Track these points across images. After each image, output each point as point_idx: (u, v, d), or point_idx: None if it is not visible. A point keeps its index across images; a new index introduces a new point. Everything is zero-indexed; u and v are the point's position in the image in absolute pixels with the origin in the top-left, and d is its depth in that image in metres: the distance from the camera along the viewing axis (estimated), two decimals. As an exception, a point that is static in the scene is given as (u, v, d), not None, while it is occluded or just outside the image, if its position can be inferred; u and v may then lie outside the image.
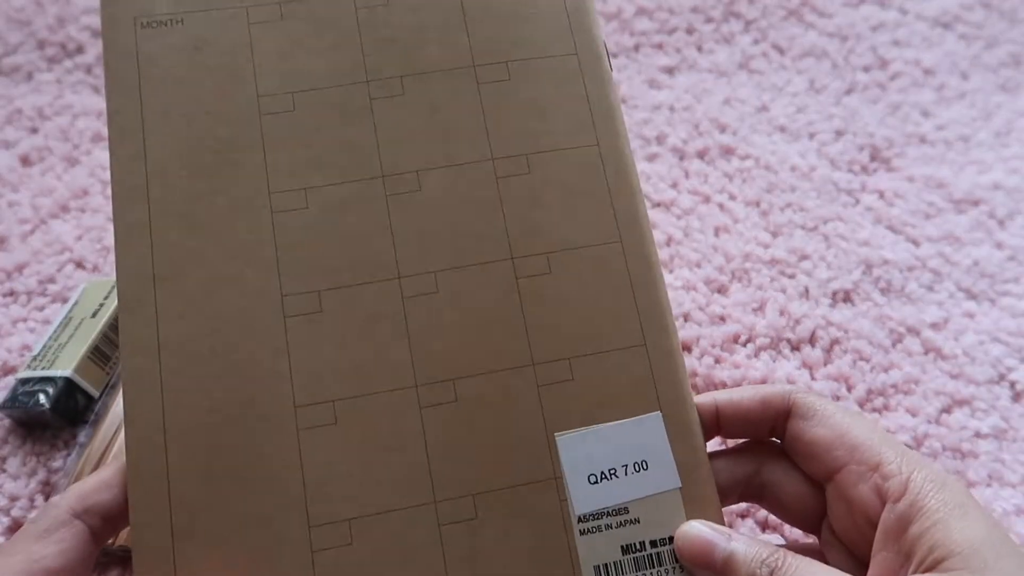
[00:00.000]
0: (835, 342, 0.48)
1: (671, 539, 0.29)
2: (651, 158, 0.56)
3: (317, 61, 0.33)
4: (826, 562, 0.28)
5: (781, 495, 0.30)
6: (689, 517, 0.29)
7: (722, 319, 0.48)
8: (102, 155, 0.56)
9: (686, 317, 0.49)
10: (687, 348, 0.47)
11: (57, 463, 0.43)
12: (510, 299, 0.31)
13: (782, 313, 0.49)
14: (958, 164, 0.55)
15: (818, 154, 0.56)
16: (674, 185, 0.55)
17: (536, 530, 0.29)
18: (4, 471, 0.43)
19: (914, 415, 0.45)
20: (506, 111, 0.33)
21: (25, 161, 0.56)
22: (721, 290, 0.50)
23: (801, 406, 0.29)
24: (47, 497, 0.42)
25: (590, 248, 0.31)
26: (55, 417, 0.43)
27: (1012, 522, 0.40)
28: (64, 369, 0.43)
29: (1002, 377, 0.46)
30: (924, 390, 0.46)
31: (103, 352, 0.45)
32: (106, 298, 0.46)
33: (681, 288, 0.50)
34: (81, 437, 0.43)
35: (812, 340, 0.48)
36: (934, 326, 0.48)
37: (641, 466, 0.29)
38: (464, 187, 0.32)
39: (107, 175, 0.55)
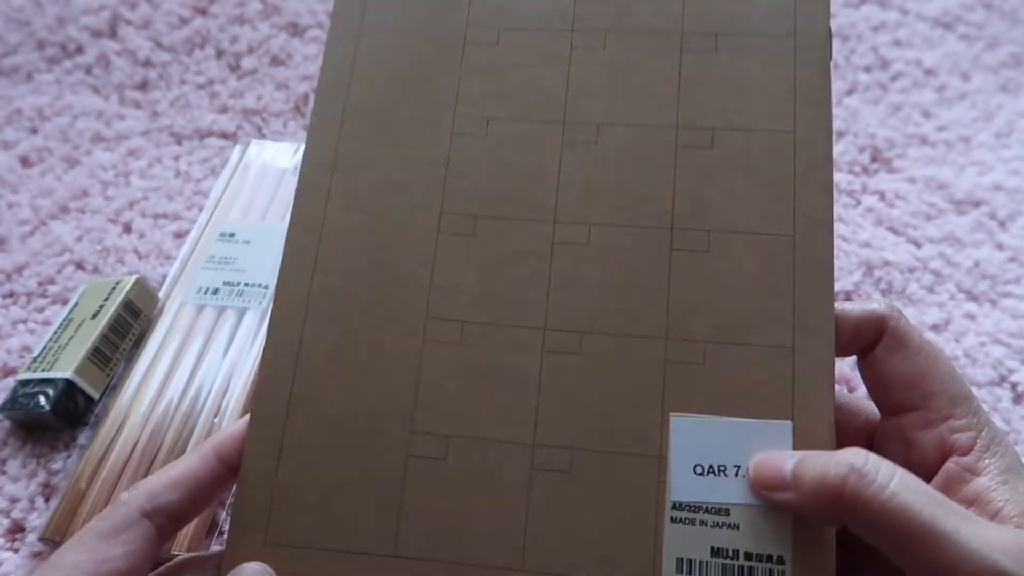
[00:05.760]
0: (836, 344, 0.48)
1: (771, 558, 0.27)
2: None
3: (530, 2, 0.34)
4: None
5: None
6: (797, 542, 0.27)
7: (723, 320, 0.48)
8: (102, 156, 0.56)
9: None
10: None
11: (57, 465, 0.43)
12: (659, 268, 0.30)
13: (783, 314, 0.48)
14: (959, 165, 0.55)
15: (819, 155, 0.56)
16: (675, 186, 0.55)
17: (626, 502, 0.28)
18: (4, 473, 0.43)
19: (915, 417, 0.45)
20: (704, 83, 0.32)
21: (25, 162, 0.56)
22: (722, 291, 0.50)
23: (893, 335, 0.28)
24: (47, 499, 0.42)
25: (758, 236, 0.30)
26: (55, 419, 0.43)
27: (1013, 524, 0.40)
28: (64, 371, 0.43)
29: (1003, 379, 0.46)
30: (925, 392, 0.46)
31: (103, 354, 0.45)
32: (106, 299, 0.46)
33: (682, 289, 0.50)
34: (81, 439, 0.43)
35: (813, 342, 0.48)
36: (935, 327, 0.48)
37: None
38: (642, 149, 0.31)
39: (106, 176, 0.55)
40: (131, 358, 0.46)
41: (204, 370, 0.44)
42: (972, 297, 0.49)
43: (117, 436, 0.42)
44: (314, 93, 0.34)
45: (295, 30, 0.63)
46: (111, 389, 0.45)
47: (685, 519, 0.27)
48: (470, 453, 0.29)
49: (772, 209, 0.30)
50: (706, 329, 0.29)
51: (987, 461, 0.26)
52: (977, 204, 0.53)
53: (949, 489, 0.26)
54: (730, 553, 0.27)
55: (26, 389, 0.43)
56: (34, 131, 0.58)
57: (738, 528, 0.27)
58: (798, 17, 0.32)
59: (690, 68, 0.32)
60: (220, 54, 0.62)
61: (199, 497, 0.29)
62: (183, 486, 0.28)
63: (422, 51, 0.33)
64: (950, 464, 0.27)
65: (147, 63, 0.61)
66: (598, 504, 0.28)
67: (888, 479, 0.24)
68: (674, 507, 0.27)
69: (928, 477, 0.27)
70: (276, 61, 0.61)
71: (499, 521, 0.28)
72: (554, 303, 0.30)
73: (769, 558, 0.27)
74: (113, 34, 0.63)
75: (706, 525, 0.27)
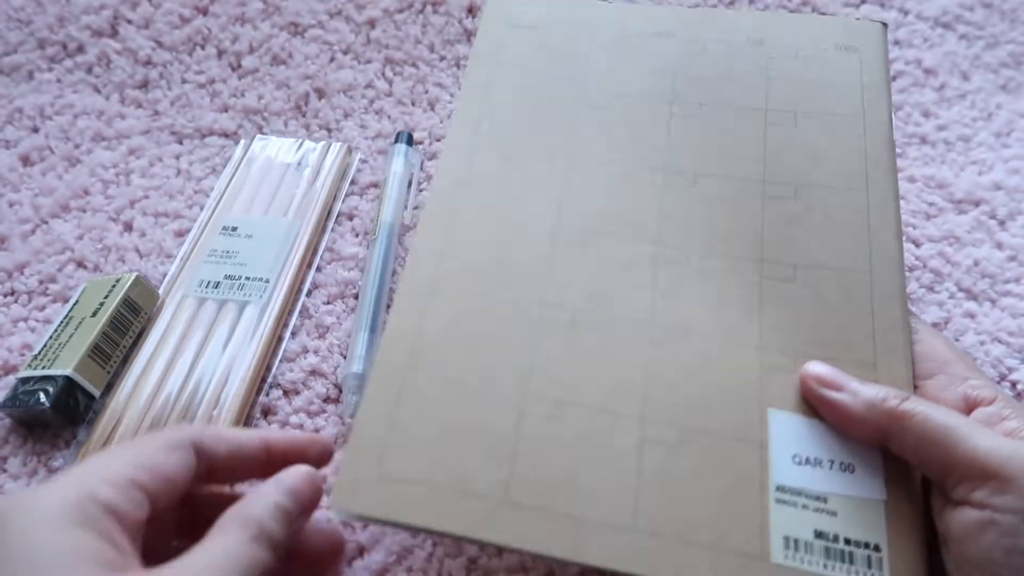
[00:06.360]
0: (836, 342, 0.47)
1: (868, 545, 0.28)
2: (652, 158, 0.56)
3: (637, 80, 0.40)
4: None
5: None
6: (891, 531, 0.29)
7: (723, 319, 0.48)
8: (103, 155, 0.56)
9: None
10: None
11: (58, 463, 0.43)
12: (751, 292, 0.33)
13: (783, 313, 0.48)
14: (959, 164, 0.55)
15: (819, 154, 0.56)
16: (675, 185, 0.55)
17: (732, 479, 0.29)
18: (5, 471, 0.43)
19: (915, 415, 0.45)
20: (785, 149, 0.37)
21: (26, 161, 0.56)
22: (722, 290, 0.50)
23: None
24: (47, 496, 0.42)
25: (838, 271, 0.34)
26: (56, 416, 0.43)
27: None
28: (64, 368, 0.43)
29: (1003, 377, 0.46)
30: (925, 390, 0.46)
31: (103, 351, 0.45)
32: (106, 297, 0.46)
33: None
34: (81, 436, 0.43)
35: (813, 340, 0.48)
36: (935, 326, 0.48)
37: (848, 467, 0.30)
38: (733, 194, 0.36)
39: (107, 175, 0.55)
40: (131, 355, 0.46)
41: (203, 363, 0.44)
42: (972, 296, 0.49)
43: (115, 430, 0.42)
44: (449, 122, 0.41)
45: (296, 30, 0.63)
46: (111, 386, 0.45)
47: (788, 501, 0.29)
48: (583, 418, 0.31)
49: (850, 251, 0.34)
50: (795, 345, 0.32)
51: (1010, 410, 0.29)
52: (977, 203, 0.53)
53: None
54: (832, 537, 0.29)
55: (26, 387, 0.43)
56: (35, 130, 0.58)
57: (836, 515, 0.29)
58: (864, 102, 0.38)
59: (773, 136, 0.37)
60: (221, 53, 0.62)
61: (237, 461, 0.29)
62: (229, 444, 0.29)
63: (543, 108, 0.39)
64: (977, 413, 0.29)
65: (148, 62, 0.61)
66: (706, 478, 0.29)
67: (929, 405, 0.29)
68: (778, 489, 0.29)
69: None
70: (277, 60, 0.61)
71: (610, 481, 0.29)
72: (658, 307, 0.33)
73: (867, 545, 0.28)
74: (114, 33, 0.63)
75: (807, 509, 0.29)
